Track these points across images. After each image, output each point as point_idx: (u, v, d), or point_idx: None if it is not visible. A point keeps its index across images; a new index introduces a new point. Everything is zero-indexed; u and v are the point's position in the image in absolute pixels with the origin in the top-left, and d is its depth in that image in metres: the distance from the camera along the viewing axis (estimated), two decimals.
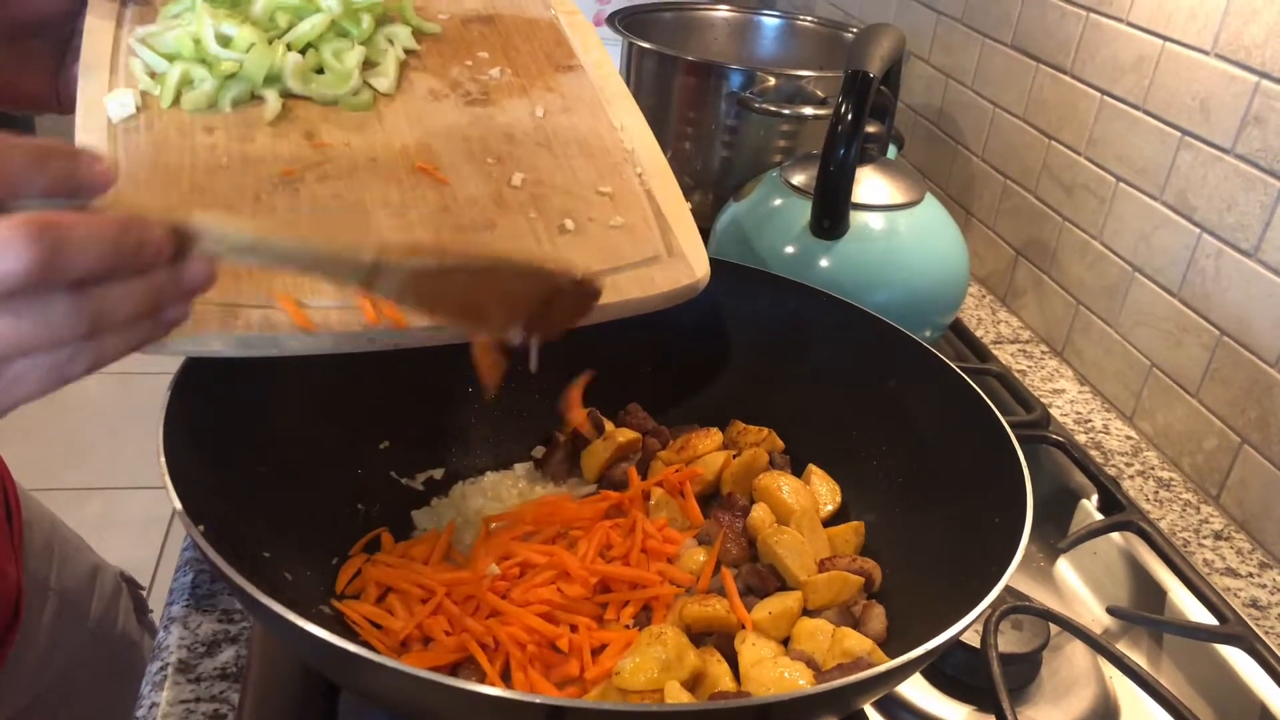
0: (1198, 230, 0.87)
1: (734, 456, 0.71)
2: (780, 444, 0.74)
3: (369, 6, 0.71)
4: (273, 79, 0.67)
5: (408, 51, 0.74)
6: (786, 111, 1.04)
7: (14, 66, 0.69)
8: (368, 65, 0.70)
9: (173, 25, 0.66)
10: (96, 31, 0.67)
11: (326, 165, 0.63)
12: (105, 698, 0.88)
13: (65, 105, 0.68)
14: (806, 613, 0.61)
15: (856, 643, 0.56)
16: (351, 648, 0.40)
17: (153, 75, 0.65)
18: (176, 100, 0.65)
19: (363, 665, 0.40)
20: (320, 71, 0.69)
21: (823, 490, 0.71)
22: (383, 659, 0.40)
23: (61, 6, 0.69)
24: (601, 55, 0.77)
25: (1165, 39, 0.89)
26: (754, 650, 0.56)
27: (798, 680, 0.52)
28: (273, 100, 0.66)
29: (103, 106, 0.62)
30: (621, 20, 1.19)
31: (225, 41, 0.65)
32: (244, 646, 0.61)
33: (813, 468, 0.72)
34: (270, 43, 0.66)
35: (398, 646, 0.56)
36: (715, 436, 0.73)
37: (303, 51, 0.68)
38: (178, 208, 0.42)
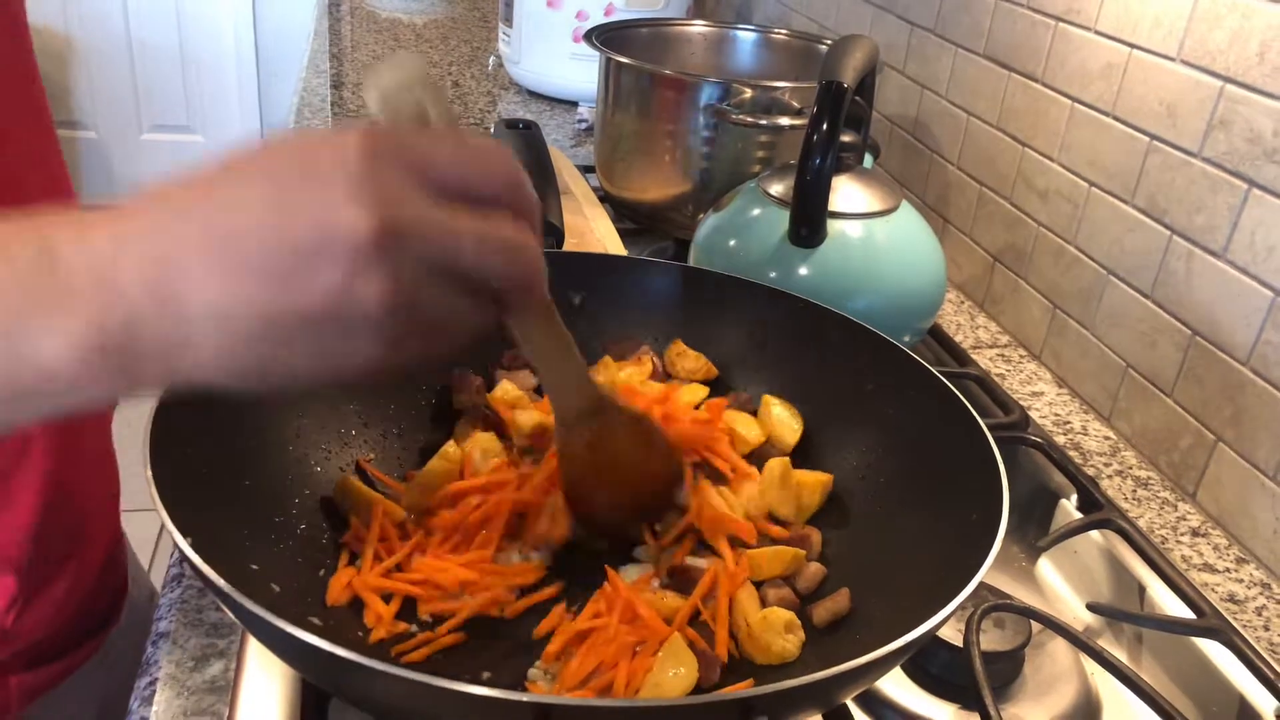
0: (1168, 232, 0.88)
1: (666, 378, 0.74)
2: (715, 371, 0.77)
3: None
4: None
5: None
6: (763, 123, 1.05)
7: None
8: None
9: None
10: None
11: None
12: None
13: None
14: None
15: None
16: (340, 651, 0.40)
17: None
18: None
19: (350, 669, 0.41)
20: None
21: (784, 417, 0.72)
22: (371, 661, 0.40)
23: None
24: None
25: (1132, 46, 0.91)
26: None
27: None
28: None
29: None
30: (599, 36, 1.20)
31: None
32: (232, 660, 0.61)
33: (769, 398, 0.73)
34: None
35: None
36: (645, 364, 0.75)
37: None
38: None
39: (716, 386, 0.78)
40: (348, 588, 0.59)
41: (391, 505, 0.64)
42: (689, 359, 0.76)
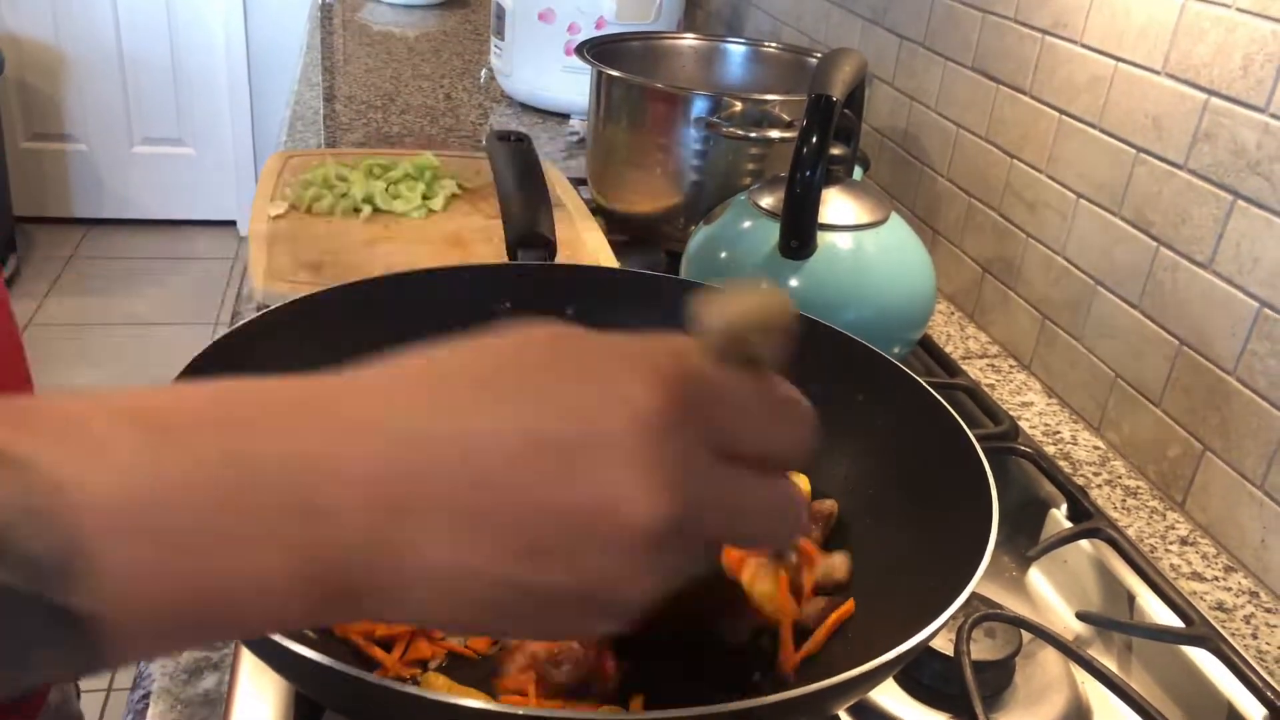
0: (1155, 244, 0.89)
1: None
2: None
3: (430, 167, 1.22)
4: (367, 199, 1.14)
5: (456, 192, 1.21)
6: (754, 135, 1.06)
7: None
8: (428, 197, 1.17)
9: (313, 172, 1.18)
10: (267, 174, 1.19)
11: (393, 240, 1.10)
12: None
13: None
14: None
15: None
16: (335, 665, 0.40)
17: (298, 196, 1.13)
18: (309, 208, 1.12)
19: (345, 682, 0.41)
20: (396, 198, 1.16)
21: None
22: (366, 675, 0.40)
23: None
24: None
25: (1118, 59, 0.92)
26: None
27: None
28: (366, 209, 1.13)
29: (268, 210, 1.10)
30: (590, 49, 1.21)
31: (342, 179, 1.17)
32: (226, 673, 0.61)
33: None
34: (367, 181, 1.16)
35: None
36: None
37: (387, 187, 1.16)
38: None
39: None
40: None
41: None
42: None
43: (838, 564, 0.64)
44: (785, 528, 0.35)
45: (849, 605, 0.61)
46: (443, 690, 0.51)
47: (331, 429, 0.29)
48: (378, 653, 0.57)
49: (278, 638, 0.42)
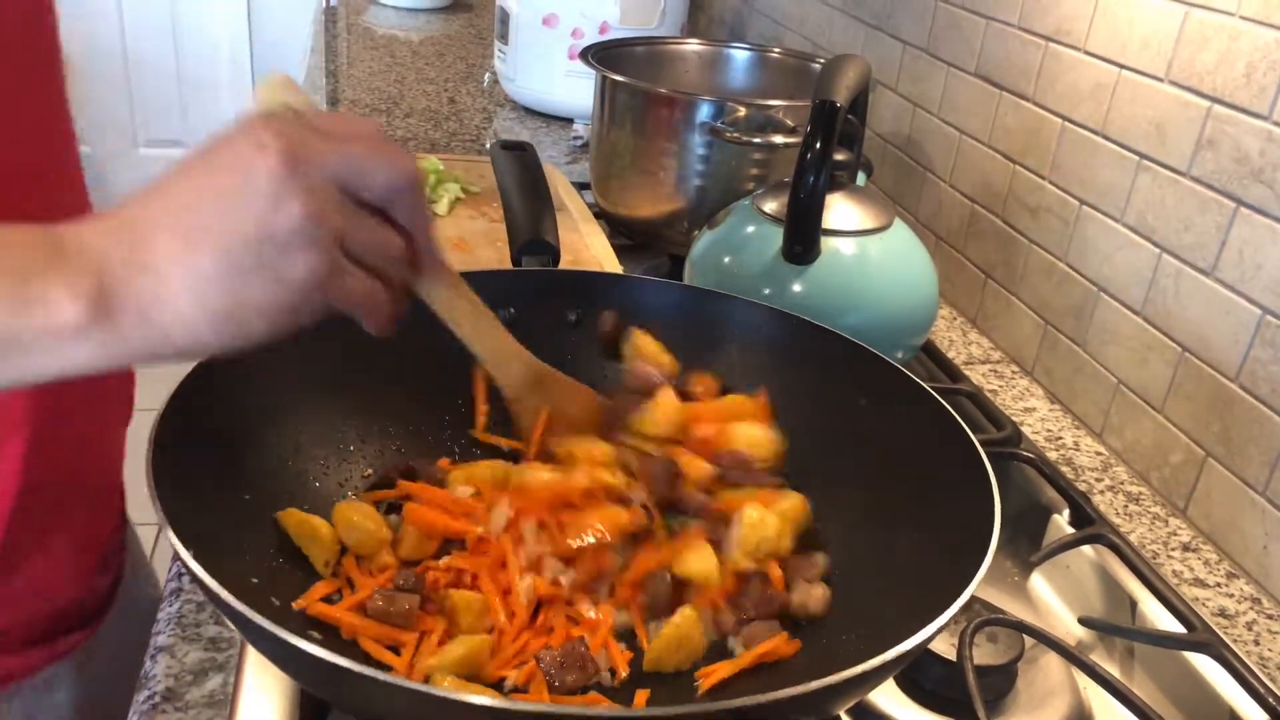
0: (1158, 250, 0.89)
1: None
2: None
3: (434, 171, 1.23)
4: None
5: (460, 195, 1.22)
6: (757, 141, 1.06)
7: None
8: (432, 201, 1.17)
9: None
10: None
11: None
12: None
13: None
14: None
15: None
16: (342, 661, 0.41)
17: None
18: None
19: (351, 678, 0.41)
20: None
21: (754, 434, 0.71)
22: (372, 671, 0.41)
23: None
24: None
25: (1121, 67, 0.92)
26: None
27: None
28: None
29: None
30: (594, 54, 1.21)
31: None
32: (231, 674, 0.62)
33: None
34: None
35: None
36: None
37: None
38: None
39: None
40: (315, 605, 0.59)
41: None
42: (649, 345, 0.76)
43: (816, 596, 0.64)
44: (394, 165, 0.49)
45: (788, 645, 0.60)
46: (450, 687, 0.51)
47: (98, 218, 0.46)
48: (387, 656, 0.57)
49: (286, 635, 0.42)
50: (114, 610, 0.84)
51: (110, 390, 0.80)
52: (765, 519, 0.65)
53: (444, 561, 0.63)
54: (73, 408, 0.73)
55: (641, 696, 0.56)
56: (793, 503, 0.68)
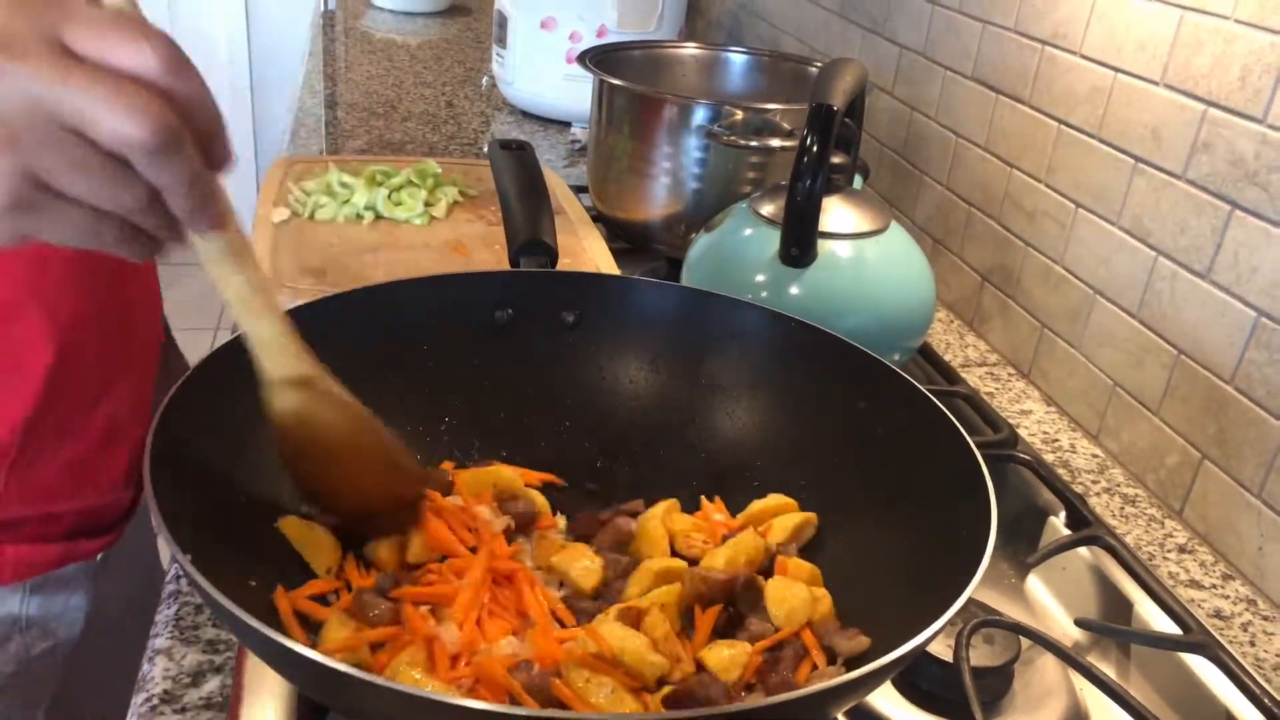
0: (1154, 253, 0.89)
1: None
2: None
3: (432, 174, 1.23)
4: (369, 206, 1.16)
5: (457, 199, 1.22)
6: (754, 144, 1.07)
7: None
8: (430, 204, 1.19)
9: (316, 179, 1.21)
10: (269, 181, 1.20)
11: (396, 246, 1.11)
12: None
13: None
14: None
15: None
16: (338, 666, 0.41)
17: (300, 203, 1.15)
18: (312, 215, 1.14)
19: (348, 682, 0.41)
20: (398, 204, 1.18)
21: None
22: (369, 676, 0.41)
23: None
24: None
25: (1117, 70, 0.93)
26: None
27: None
28: (368, 216, 1.15)
29: (271, 217, 1.11)
30: (592, 58, 1.21)
31: (344, 186, 1.18)
32: (229, 676, 0.62)
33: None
34: (370, 188, 1.18)
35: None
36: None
37: (389, 194, 1.18)
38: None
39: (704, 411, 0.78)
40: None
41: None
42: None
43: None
44: (134, 116, 0.42)
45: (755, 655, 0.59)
46: (448, 692, 0.51)
47: None
48: (380, 658, 0.57)
49: (282, 639, 0.42)
50: (131, 528, 0.84)
51: (142, 273, 0.82)
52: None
53: (428, 579, 0.63)
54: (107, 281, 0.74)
55: (641, 701, 0.56)
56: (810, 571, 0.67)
